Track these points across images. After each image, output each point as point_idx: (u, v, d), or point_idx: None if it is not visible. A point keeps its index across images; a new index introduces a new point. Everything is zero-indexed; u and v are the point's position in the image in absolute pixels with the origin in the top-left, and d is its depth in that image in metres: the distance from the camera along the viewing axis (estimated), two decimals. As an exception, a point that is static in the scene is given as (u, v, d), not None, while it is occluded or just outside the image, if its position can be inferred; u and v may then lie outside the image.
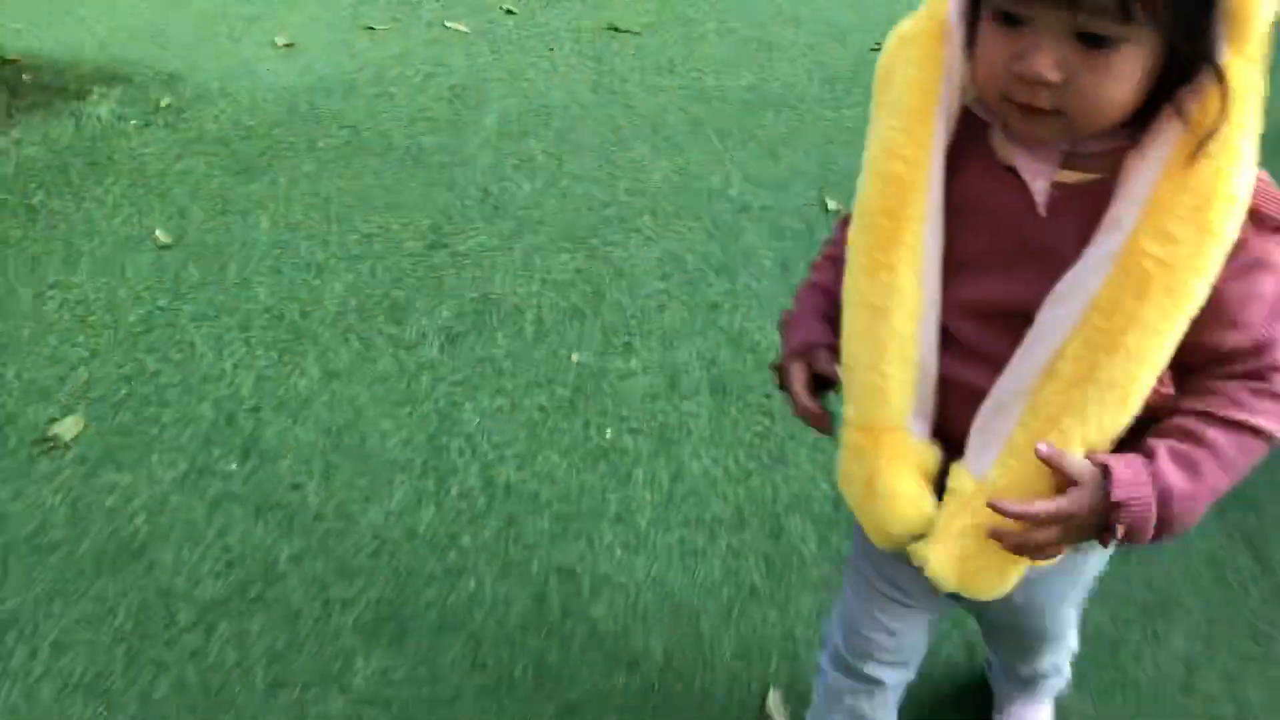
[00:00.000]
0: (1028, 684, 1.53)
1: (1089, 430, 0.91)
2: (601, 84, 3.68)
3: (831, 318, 1.05)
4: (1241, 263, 0.86)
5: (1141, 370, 0.88)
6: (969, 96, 0.92)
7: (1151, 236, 0.84)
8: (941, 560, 0.99)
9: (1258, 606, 1.85)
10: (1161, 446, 0.90)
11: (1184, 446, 0.90)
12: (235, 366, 2.36)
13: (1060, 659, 1.48)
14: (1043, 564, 0.98)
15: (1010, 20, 0.82)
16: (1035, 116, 0.84)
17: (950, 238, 0.95)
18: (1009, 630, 1.38)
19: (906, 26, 0.94)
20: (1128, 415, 0.91)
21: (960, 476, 0.98)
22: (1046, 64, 0.80)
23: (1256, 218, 0.86)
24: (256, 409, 2.25)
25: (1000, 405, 0.95)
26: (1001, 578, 1.00)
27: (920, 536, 1.01)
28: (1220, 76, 0.80)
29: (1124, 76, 0.81)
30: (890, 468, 1.00)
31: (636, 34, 4.06)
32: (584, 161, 3.20)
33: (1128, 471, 0.88)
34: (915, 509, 1.00)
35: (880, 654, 1.26)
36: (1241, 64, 0.81)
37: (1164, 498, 0.88)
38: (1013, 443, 0.94)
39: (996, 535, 0.93)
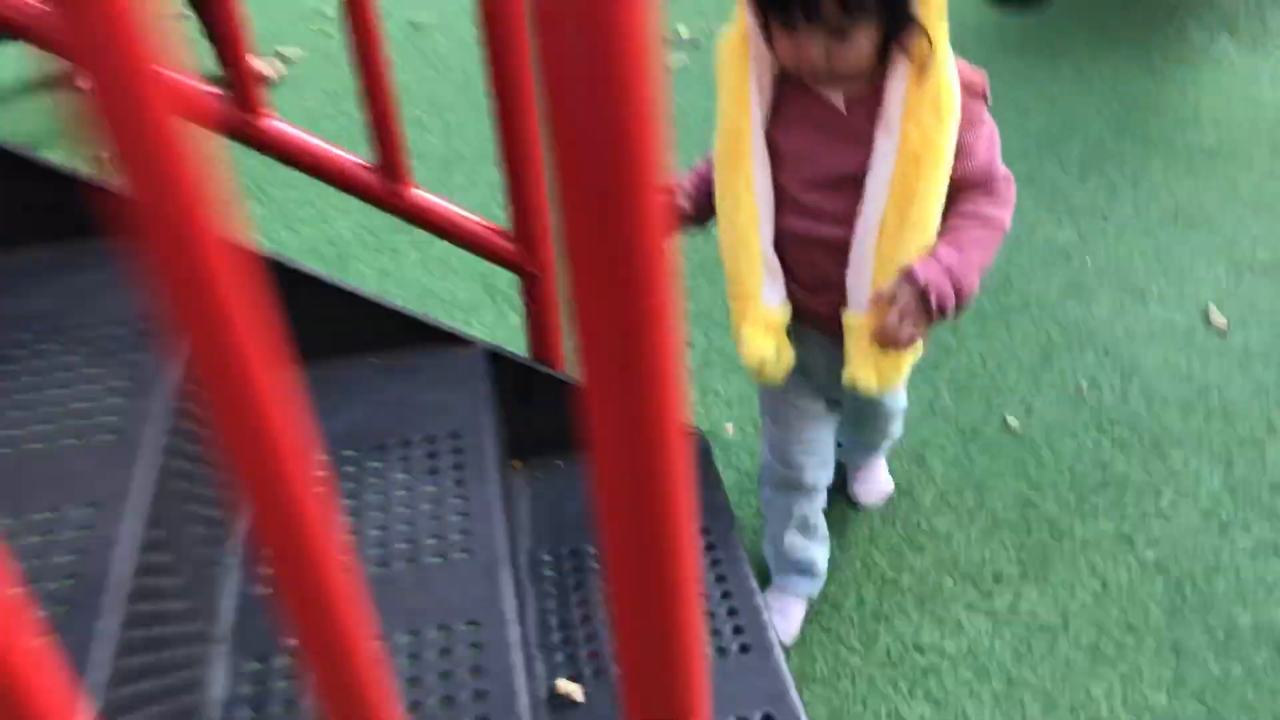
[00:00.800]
0: (877, 449, 2.10)
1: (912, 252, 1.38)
2: None
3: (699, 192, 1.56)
4: (965, 119, 1.34)
5: (931, 210, 1.37)
6: (778, 68, 1.40)
7: (912, 126, 1.32)
8: (866, 375, 1.45)
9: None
10: (938, 243, 1.38)
11: (949, 238, 1.39)
12: None
13: (899, 422, 2.00)
14: (917, 352, 1.47)
15: (789, 27, 1.29)
16: (820, 80, 1.35)
17: (794, 142, 1.42)
18: (874, 413, 1.91)
19: (725, 36, 1.41)
20: (929, 239, 1.38)
21: (851, 317, 1.44)
22: (815, 53, 1.30)
23: (968, 89, 1.35)
24: None
25: (860, 260, 1.40)
26: (899, 372, 1.47)
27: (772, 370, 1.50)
28: (923, 29, 1.29)
29: (862, 46, 1.30)
30: (748, 325, 1.47)
31: None
32: None
33: (920, 265, 1.35)
34: (760, 353, 1.47)
35: (806, 458, 1.75)
36: (931, 16, 1.29)
37: (949, 271, 1.36)
38: (875, 284, 1.40)
39: (880, 339, 1.39)
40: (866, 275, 1.41)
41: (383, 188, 1.61)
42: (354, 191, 1.61)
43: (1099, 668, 1.88)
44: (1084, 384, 2.43)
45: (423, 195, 1.65)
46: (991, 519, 2.15)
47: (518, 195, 1.61)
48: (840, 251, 1.43)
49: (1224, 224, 2.88)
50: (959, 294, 1.37)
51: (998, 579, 2.03)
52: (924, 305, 1.36)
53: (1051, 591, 2.01)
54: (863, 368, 1.45)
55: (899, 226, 1.36)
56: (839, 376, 1.48)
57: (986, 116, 1.41)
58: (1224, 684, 1.84)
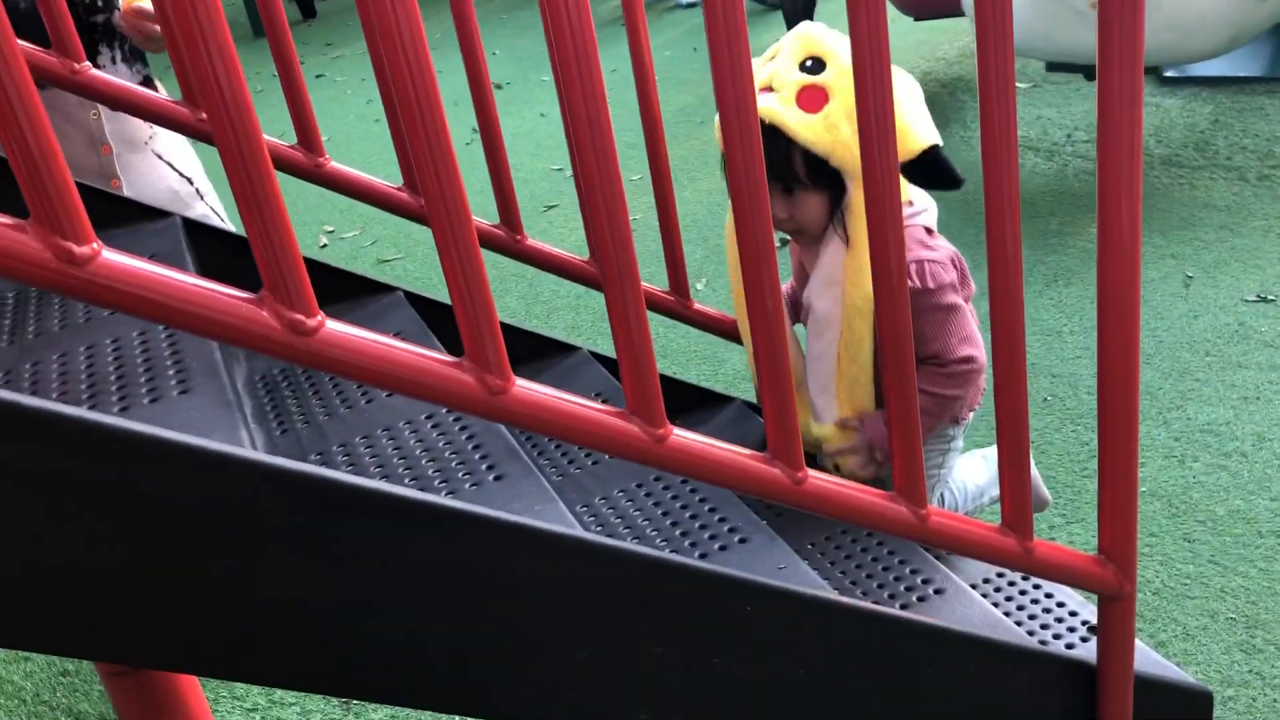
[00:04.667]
0: None
1: (860, 396, 1.67)
2: None
3: None
4: (922, 308, 1.54)
5: (865, 361, 1.61)
6: None
7: (852, 286, 1.56)
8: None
9: None
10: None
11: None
12: None
13: None
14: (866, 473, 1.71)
15: None
16: (791, 233, 1.68)
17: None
18: None
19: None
20: (869, 386, 1.65)
21: (822, 429, 1.71)
22: (778, 208, 1.55)
23: (915, 286, 1.54)
24: None
25: (820, 388, 1.68)
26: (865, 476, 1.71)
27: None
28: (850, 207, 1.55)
29: (811, 205, 1.57)
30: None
31: None
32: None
33: (870, 423, 1.65)
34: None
35: None
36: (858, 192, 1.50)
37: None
38: (839, 402, 1.67)
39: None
40: (830, 407, 1.68)
41: None
42: None
43: None
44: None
45: None
46: None
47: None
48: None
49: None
50: None
51: None
52: (870, 454, 1.67)
53: None
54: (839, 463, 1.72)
55: (851, 362, 1.62)
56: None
57: (941, 303, 1.58)
58: None
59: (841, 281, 1.58)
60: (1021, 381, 1.18)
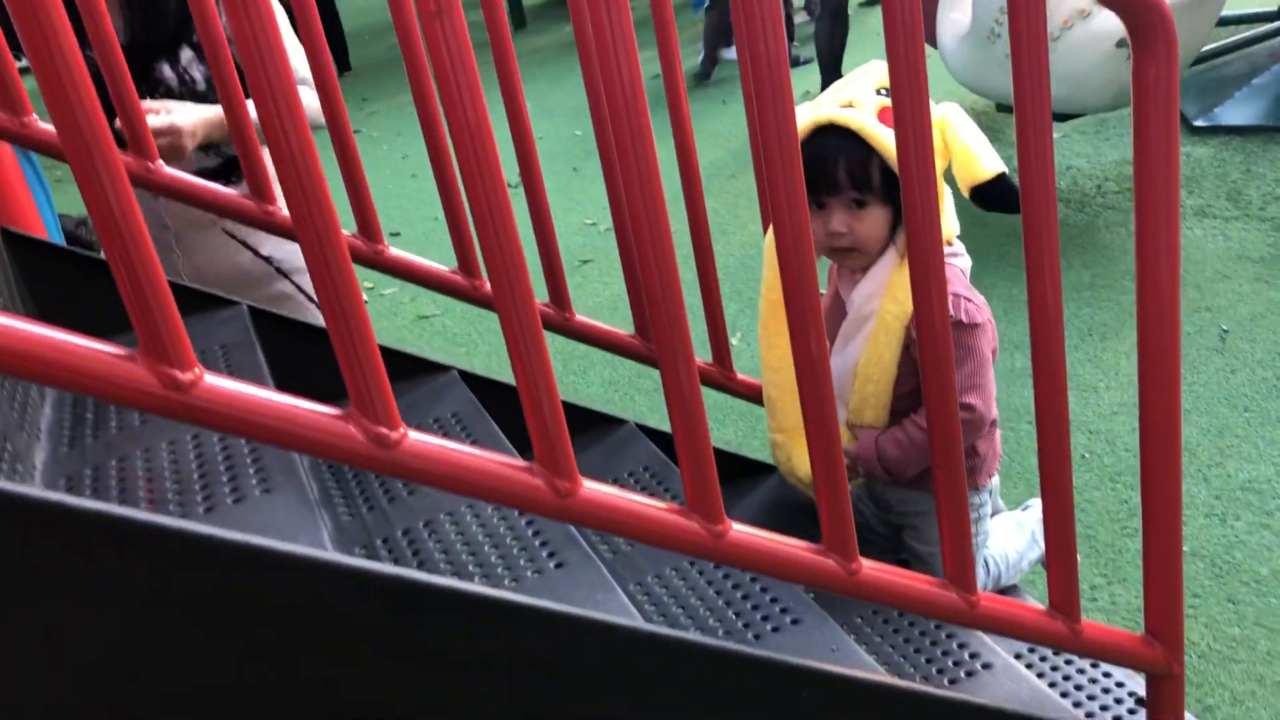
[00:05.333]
0: None
1: (868, 415, 1.70)
2: None
3: None
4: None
5: (891, 368, 1.64)
6: None
7: (890, 301, 1.61)
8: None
9: None
10: (892, 431, 1.68)
11: (899, 432, 1.67)
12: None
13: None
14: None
15: (820, 206, 1.59)
16: (843, 254, 1.64)
17: None
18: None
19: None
20: (888, 386, 1.66)
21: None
22: (838, 224, 1.59)
23: (959, 322, 1.56)
24: None
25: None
26: None
27: None
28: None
29: (876, 220, 1.59)
30: (798, 450, 1.74)
31: None
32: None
33: (864, 439, 1.69)
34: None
35: None
36: None
37: (881, 458, 1.67)
38: (851, 411, 1.71)
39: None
40: (842, 400, 1.68)
41: None
42: None
43: None
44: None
45: None
46: None
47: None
48: None
49: (1126, 332, 3.34)
50: (887, 471, 1.69)
51: None
52: (852, 465, 1.71)
53: None
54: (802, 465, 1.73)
55: (866, 381, 1.66)
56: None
57: (969, 343, 1.60)
58: None
59: (882, 294, 1.61)
60: (1067, 465, 1.22)
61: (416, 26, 1.51)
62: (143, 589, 0.87)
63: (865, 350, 1.64)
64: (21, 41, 0.75)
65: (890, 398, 1.66)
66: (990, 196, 1.56)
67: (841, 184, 1.56)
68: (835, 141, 1.54)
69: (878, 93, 1.58)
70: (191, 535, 0.85)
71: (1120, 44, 3.84)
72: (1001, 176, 1.56)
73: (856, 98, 1.58)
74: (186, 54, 2.00)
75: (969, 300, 1.62)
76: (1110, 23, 3.80)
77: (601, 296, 4.32)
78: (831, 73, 6.15)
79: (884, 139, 1.52)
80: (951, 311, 1.56)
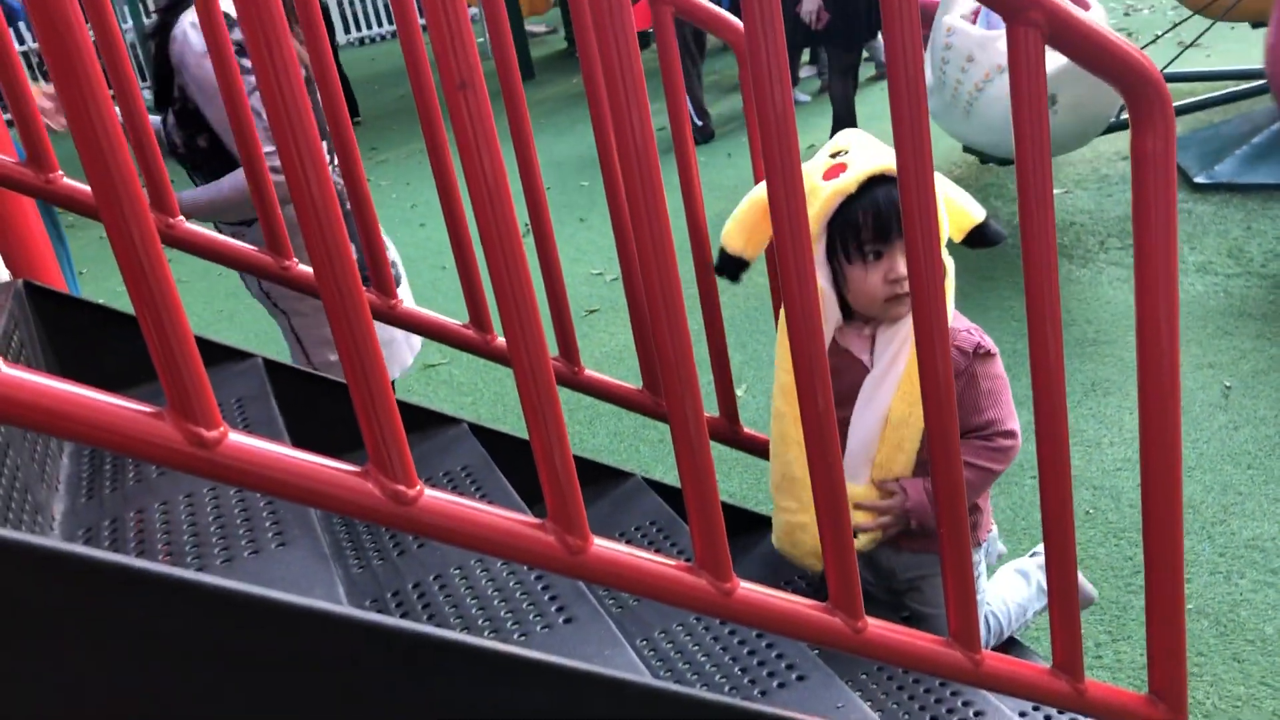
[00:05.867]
0: None
1: (901, 462, 1.68)
2: None
3: None
4: (966, 377, 1.62)
5: (916, 425, 1.63)
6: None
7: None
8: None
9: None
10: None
11: None
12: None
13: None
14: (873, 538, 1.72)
15: (875, 256, 1.58)
16: (899, 301, 1.59)
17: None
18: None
19: None
20: (912, 454, 1.67)
21: (852, 488, 1.66)
22: (903, 269, 1.54)
23: (965, 351, 1.63)
24: None
25: (862, 445, 1.67)
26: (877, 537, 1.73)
27: None
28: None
29: None
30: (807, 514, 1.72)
31: None
32: None
33: (913, 490, 1.66)
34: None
35: None
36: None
37: (934, 505, 1.40)
38: (879, 463, 1.68)
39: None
40: (862, 458, 1.67)
41: None
42: None
43: None
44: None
45: None
46: None
47: None
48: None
49: (1129, 387, 3.36)
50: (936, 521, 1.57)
51: None
52: (903, 519, 1.68)
53: None
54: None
55: (900, 425, 1.64)
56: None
57: (989, 372, 1.65)
58: None
59: (911, 340, 1.58)
60: (1069, 523, 1.24)
61: (433, 85, 1.55)
62: (160, 640, 0.88)
63: (896, 394, 1.63)
64: (62, 103, 0.78)
65: (920, 441, 1.64)
66: (980, 240, 1.65)
67: (898, 233, 1.56)
68: (893, 188, 1.54)
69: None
70: (209, 588, 0.86)
71: None
72: (987, 220, 1.64)
73: (878, 152, 1.61)
74: (170, 118, 2.03)
75: (978, 331, 1.66)
76: None
77: (608, 347, 4.35)
78: (847, 124, 6.27)
79: None
80: (978, 341, 1.64)
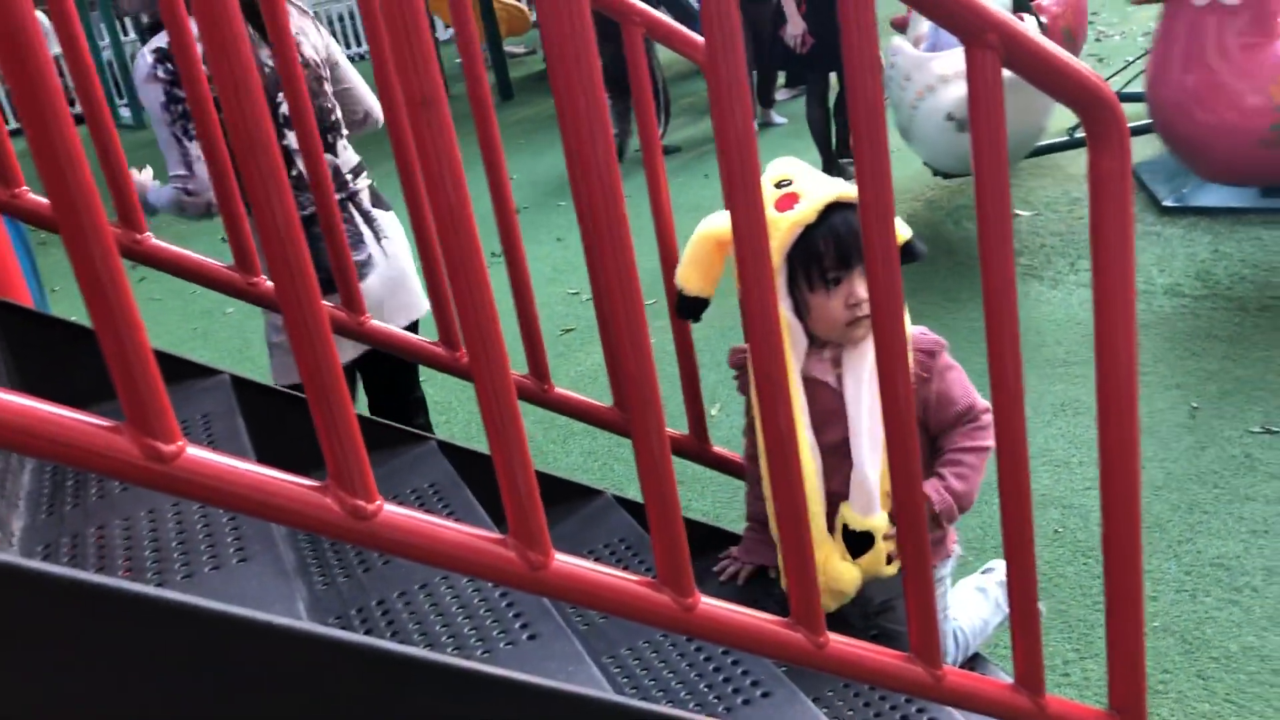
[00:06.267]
0: None
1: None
2: None
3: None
4: (937, 373, 1.71)
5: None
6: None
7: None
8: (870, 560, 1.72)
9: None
10: (946, 470, 1.71)
11: (955, 470, 1.70)
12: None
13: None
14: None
15: (835, 283, 1.61)
16: (859, 324, 1.63)
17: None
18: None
19: None
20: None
21: (872, 520, 1.69)
22: (863, 292, 1.55)
23: (929, 351, 1.71)
24: None
25: (862, 479, 1.66)
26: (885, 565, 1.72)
27: None
28: None
29: None
30: (834, 560, 1.71)
31: None
32: None
33: (935, 495, 1.66)
34: (852, 574, 1.73)
35: None
36: None
37: (956, 499, 1.69)
38: (882, 490, 1.66)
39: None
40: (873, 486, 1.66)
41: None
42: None
43: None
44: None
45: None
46: None
47: None
48: (837, 494, 1.70)
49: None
50: (961, 510, 1.70)
51: None
52: (935, 525, 1.68)
53: None
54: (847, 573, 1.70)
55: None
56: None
57: (949, 362, 1.74)
58: None
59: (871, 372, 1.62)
60: (1030, 540, 1.25)
61: (402, 103, 1.56)
62: (119, 656, 0.88)
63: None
64: (20, 117, 0.78)
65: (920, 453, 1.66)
66: (905, 256, 1.63)
67: (858, 259, 1.59)
68: (850, 215, 1.57)
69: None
70: (166, 603, 0.86)
71: (948, 118, 4.47)
72: (912, 238, 1.66)
73: (815, 177, 1.65)
74: None
75: (925, 330, 1.73)
76: (943, 99, 4.47)
77: (584, 365, 4.35)
78: (825, 146, 6.36)
79: None
80: (930, 341, 1.71)
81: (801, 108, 7.33)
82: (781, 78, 8.66)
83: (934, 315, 4.32)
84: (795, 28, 5.90)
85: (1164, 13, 4.11)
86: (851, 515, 1.68)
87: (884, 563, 1.69)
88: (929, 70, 4.59)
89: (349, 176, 2.36)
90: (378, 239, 2.34)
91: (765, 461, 1.73)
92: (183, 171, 2.09)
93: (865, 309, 1.58)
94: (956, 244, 5.06)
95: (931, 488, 1.68)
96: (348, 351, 2.21)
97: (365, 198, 2.39)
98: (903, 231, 1.66)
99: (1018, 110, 4.35)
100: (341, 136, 2.38)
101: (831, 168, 6.32)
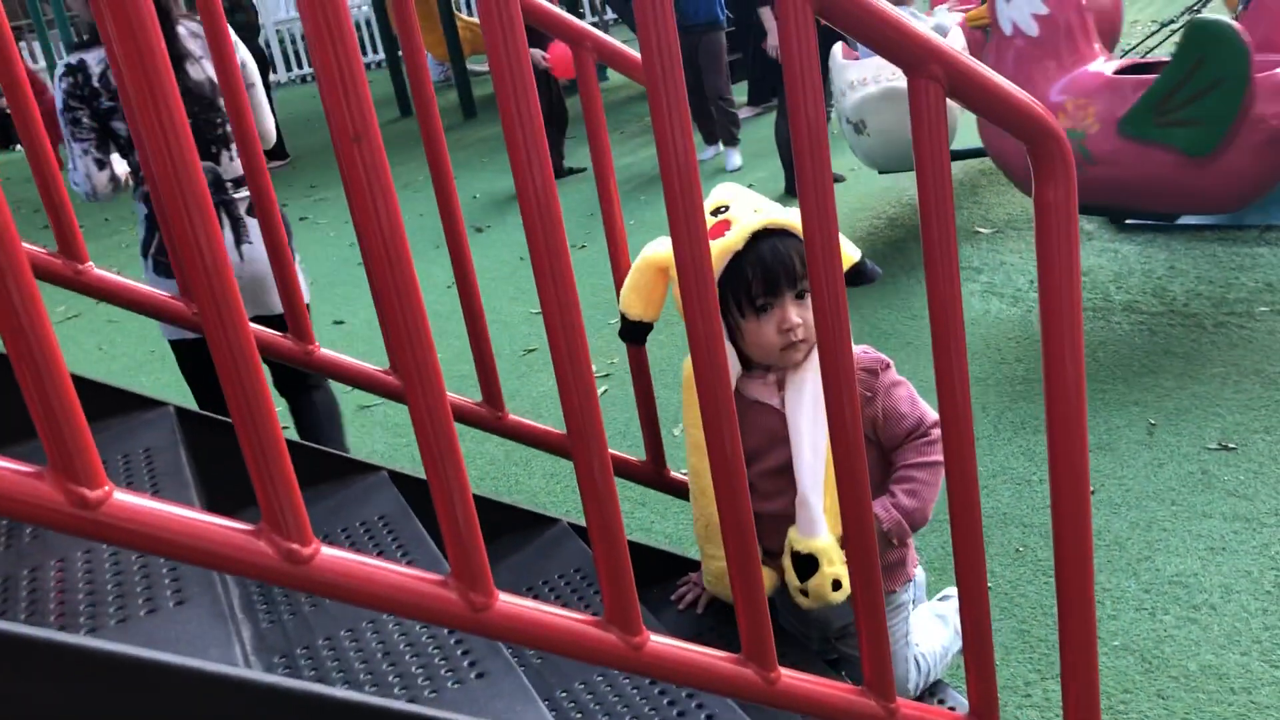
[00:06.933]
0: None
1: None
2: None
3: None
4: (882, 391, 1.69)
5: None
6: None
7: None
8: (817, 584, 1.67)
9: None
10: (896, 488, 1.70)
11: (906, 487, 1.70)
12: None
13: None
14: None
15: (765, 309, 1.61)
16: (794, 348, 1.63)
17: (749, 444, 1.50)
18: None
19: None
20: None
21: (815, 542, 1.66)
22: (793, 318, 1.61)
23: (866, 369, 1.67)
24: None
25: (807, 501, 1.65)
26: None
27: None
28: None
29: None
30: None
31: None
32: None
33: (884, 513, 1.67)
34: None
35: None
36: None
37: (906, 516, 1.68)
38: (828, 510, 1.65)
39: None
40: (816, 508, 1.65)
41: None
42: None
43: None
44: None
45: None
46: None
47: None
48: (784, 516, 1.69)
49: None
50: (914, 526, 1.70)
51: None
52: (887, 544, 1.70)
53: None
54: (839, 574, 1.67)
55: (834, 483, 1.57)
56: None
57: (895, 378, 1.72)
58: None
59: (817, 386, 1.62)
60: (982, 569, 1.24)
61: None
62: (45, 708, 0.85)
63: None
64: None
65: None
66: (857, 278, 1.68)
67: (799, 275, 1.60)
68: (778, 241, 1.59)
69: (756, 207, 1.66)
70: (91, 652, 0.84)
71: (847, 121, 5.16)
72: (863, 259, 1.69)
73: (757, 204, 1.64)
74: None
75: (868, 348, 1.71)
76: (847, 104, 5.07)
77: (545, 387, 4.33)
78: (790, 163, 6.47)
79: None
80: (873, 359, 1.70)
81: (766, 127, 7.38)
82: (745, 95, 8.71)
83: (896, 331, 4.34)
84: (775, 38, 6.00)
85: (990, 37, 4.40)
86: (796, 537, 1.67)
87: (830, 588, 1.65)
88: (843, 77, 5.08)
89: (229, 184, 2.74)
90: (238, 243, 2.74)
91: (698, 482, 1.73)
92: (70, 166, 2.61)
93: (799, 333, 1.61)
94: (918, 261, 5.09)
95: (880, 505, 1.67)
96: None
97: (241, 207, 2.76)
98: (851, 253, 1.67)
99: (900, 120, 4.54)
100: (228, 149, 2.73)
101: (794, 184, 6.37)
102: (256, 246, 2.68)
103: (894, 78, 4.79)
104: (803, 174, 1.05)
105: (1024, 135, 1.14)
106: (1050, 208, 1.15)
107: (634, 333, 1.73)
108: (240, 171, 2.70)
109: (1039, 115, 1.13)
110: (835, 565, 1.65)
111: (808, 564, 1.66)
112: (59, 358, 0.80)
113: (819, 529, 1.65)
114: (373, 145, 0.85)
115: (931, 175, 1.09)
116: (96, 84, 2.54)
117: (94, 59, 2.55)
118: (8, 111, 3.70)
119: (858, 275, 1.68)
